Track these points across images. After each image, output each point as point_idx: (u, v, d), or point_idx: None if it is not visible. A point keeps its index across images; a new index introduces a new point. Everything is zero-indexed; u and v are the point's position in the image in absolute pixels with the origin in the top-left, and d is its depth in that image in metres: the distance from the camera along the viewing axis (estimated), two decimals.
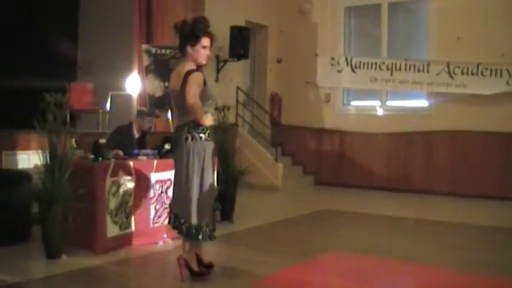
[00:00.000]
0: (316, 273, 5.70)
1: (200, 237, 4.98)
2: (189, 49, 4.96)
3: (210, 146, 5.03)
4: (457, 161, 11.54)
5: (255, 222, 8.01)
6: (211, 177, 5.00)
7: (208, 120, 5.01)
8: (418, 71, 11.87)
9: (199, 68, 5.03)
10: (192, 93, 4.81)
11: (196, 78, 4.88)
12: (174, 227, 5.07)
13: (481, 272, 5.64)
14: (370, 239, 7.23)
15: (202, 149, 4.94)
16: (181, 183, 5.01)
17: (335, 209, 9.62)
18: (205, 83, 4.96)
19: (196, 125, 4.92)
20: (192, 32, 4.93)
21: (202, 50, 4.97)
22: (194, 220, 4.94)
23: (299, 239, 7.13)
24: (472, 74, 11.29)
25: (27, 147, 7.42)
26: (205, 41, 4.96)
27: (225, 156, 7.93)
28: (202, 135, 4.94)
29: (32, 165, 6.61)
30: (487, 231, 7.90)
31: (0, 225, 6.12)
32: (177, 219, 5.01)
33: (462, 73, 11.39)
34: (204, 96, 4.92)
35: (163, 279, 5.33)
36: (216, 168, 5.13)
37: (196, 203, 4.93)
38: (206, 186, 4.96)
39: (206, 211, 4.99)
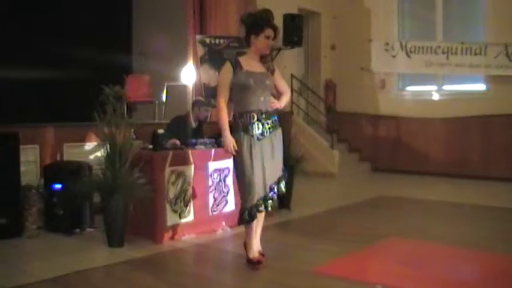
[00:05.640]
0: (375, 260, 5.68)
1: (245, 218, 5.01)
2: (253, 38, 5.08)
3: (260, 133, 5.03)
4: None
5: (312, 210, 8.03)
6: (261, 162, 4.97)
7: (224, 115, 5.03)
8: (475, 54, 11.59)
9: (262, 57, 5.18)
10: (218, 92, 5.09)
11: (221, 73, 5.15)
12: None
13: None
14: (428, 225, 7.15)
15: (251, 137, 4.98)
16: (236, 170, 5.12)
17: (392, 196, 9.55)
18: (241, 69, 5.02)
19: (246, 113, 5.00)
20: (256, 21, 5.05)
21: (265, 40, 5.05)
22: (243, 204, 5.02)
23: (356, 226, 7.10)
24: None
25: (87, 139, 7.60)
26: (268, 32, 5.04)
27: None
28: (255, 123, 4.99)
29: (92, 157, 6.76)
30: None
31: (64, 215, 6.33)
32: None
33: None
34: (238, 84, 5.00)
35: (222, 266, 5.42)
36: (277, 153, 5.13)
37: (245, 187, 4.97)
38: (255, 170, 4.94)
39: (253, 193, 4.95)
